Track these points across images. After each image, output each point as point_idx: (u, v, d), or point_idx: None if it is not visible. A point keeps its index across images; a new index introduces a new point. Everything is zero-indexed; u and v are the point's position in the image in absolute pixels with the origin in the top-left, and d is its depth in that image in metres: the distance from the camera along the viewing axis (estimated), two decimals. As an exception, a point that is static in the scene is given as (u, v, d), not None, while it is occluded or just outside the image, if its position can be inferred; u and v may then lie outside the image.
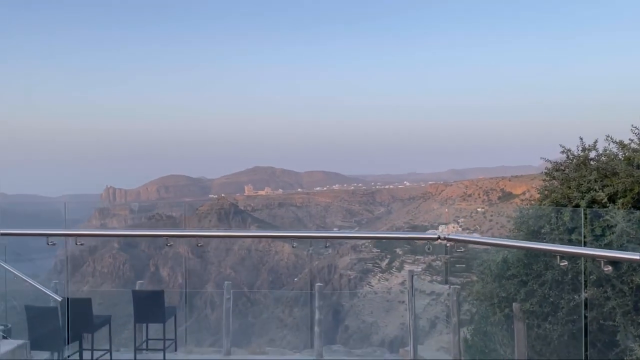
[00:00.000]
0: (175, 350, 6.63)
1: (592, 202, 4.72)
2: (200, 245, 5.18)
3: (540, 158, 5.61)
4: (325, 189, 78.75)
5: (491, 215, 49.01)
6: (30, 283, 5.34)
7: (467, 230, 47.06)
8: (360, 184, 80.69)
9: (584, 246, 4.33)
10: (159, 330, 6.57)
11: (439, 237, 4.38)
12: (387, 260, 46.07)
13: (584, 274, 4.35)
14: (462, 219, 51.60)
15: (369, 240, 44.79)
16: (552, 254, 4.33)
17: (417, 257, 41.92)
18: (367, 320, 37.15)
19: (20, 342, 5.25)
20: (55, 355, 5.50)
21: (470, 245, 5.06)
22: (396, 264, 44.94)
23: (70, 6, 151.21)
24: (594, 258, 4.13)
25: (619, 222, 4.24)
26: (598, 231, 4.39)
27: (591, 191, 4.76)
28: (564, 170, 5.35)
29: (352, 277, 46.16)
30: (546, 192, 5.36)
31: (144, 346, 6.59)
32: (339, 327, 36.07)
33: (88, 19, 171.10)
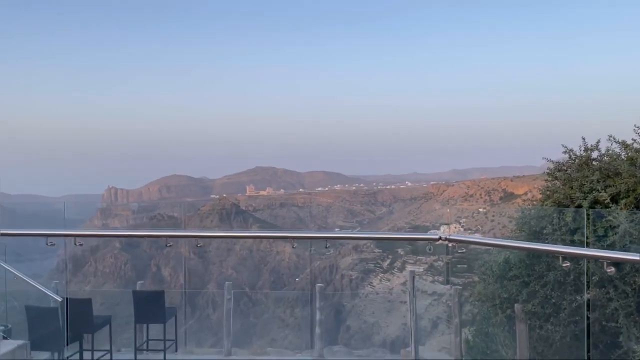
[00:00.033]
0: (176, 350, 6.61)
1: (595, 203, 4.69)
2: (200, 246, 5.16)
3: (543, 158, 5.59)
4: (326, 189, 78.73)
5: (493, 216, 48.92)
6: (30, 283, 5.33)
7: (469, 231, 47.01)
8: (361, 184, 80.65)
9: (587, 247, 4.30)
10: (160, 330, 6.56)
11: (440, 238, 4.36)
12: (388, 261, 46.02)
13: (587, 275, 4.32)
14: (464, 219, 51.52)
15: (371, 241, 44.73)
16: (554, 254, 4.31)
17: (418, 257, 41.86)
18: (368, 320, 37.11)
19: (20, 342, 5.24)
20: (56, 355, 5.49)
21: (472, 246, 5.04)
22: (398, 264, 44.88)
23: (70, 6, 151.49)
24: (594, 259, 4.10)
25: (621, 223, 4.21)
26: (601, 232, 4.36)
27: (594, 191, 4.73)
28: (566, 171, 5.32)
29: (353, 277, 46.12)
30: (548, 192, 5.33)
31: (144, 347, 6.57)
32: (341, 328, 36.04)
33: (88, 19, 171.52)
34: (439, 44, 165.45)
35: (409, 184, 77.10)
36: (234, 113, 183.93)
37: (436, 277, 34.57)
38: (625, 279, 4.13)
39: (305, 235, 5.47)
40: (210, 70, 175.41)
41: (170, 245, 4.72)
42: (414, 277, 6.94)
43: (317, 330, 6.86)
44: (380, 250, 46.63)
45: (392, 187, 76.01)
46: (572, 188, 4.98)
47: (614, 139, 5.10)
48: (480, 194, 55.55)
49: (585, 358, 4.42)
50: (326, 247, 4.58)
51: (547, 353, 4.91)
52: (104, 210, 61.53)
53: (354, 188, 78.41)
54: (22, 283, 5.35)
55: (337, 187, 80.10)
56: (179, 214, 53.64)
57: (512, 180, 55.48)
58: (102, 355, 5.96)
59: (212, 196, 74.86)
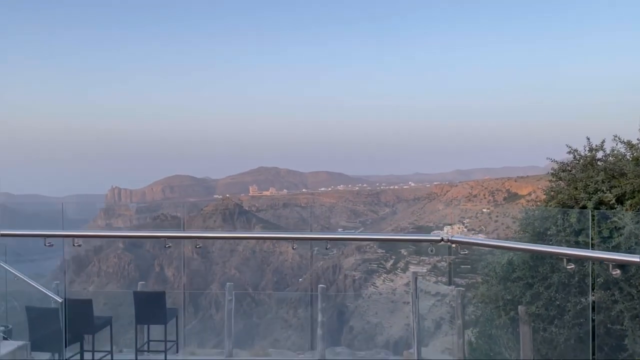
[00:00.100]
0: (177, 351, 6.59)
1: (600, 204, 4.63)
2: (199, 247, 5.12)
3: (547, 158, 5.53)
4: (329, 189, 78.73)
5: (497, 216, 48.78)
6: (30, 284, 5.31)
7: (473, 231, 46.90)
8: (364, 185, 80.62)
9: (592, 248, 4.25)
10: (161, 331, 6.53)
11: (442, 239, 4.32)
12: (391, 261, 45.96)
13: (591, 276, 4.27)
14: (468, 220, 51.39)
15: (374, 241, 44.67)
16: (558, 256, 4.26)
17: (422, 258, 41.80)
18: (371, 321, 37.05)
19: (20, 343, 5.22)
20: (56, 356, 5.48)
21: (475, 247, 4.99)
22: (401, 264, 44.82)
23: (71, 6, 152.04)
24: (598, 261, 4.05)
25: (627, 224, 4.16)
26: (606, 233, 4.31)
27: (598, 192, 4.67)
28: (570, 171, 5.26)
29: (356, 277, 46.07)
30: (552, 193, 5.27)
31: (145, 347, 6.55)
32: (344, 328, 36.00)
33: (89, 19, 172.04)
34: (442, 44, 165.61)
35: (412, 184, 77.03)
36: (236, 113, 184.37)
37: (439, 278, 34.52)
38: (631, 280, 4.07)
39: (306, 236, 5.43)
40: (212, 70, 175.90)
41: (169, 246, 4.69)
42: (416, 279, 6.90)
43: (319, 331, 6.82)
44: (384, 251, 46.58)
45: (396, 187, 75.94)
46: (576, 189, 4.92)
47: (619, 139, 5.04)
48: (484, 195, 55.41)
49: (590, 361, 4.37)
50: (327, 248, 4.54)
51: (551, 355, 4.85)
52: (107, 210, 61.69)
53: (357, 188, 78.38)
54: (22, 283, 5.34)
55: (340, 187, 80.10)
56: (182, 214, 53.72)
57: (515, 181, 55.32)
58: (103, 356, 5.94)
59: (215, 196, 74.98)
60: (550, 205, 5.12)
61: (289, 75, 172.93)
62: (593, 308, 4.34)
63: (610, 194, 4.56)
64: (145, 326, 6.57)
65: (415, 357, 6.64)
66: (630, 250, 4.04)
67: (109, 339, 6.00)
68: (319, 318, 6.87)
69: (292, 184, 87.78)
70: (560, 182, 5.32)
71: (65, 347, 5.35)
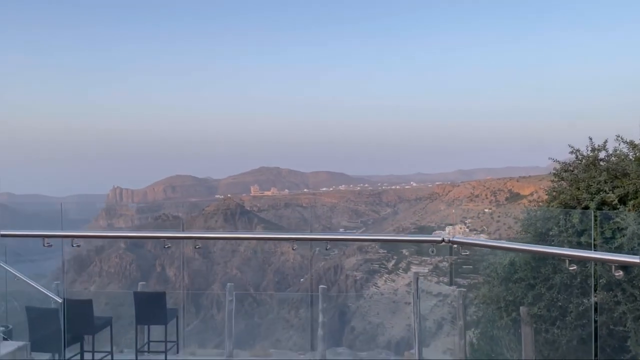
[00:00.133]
0: (177, 352, 6.57)
1: (602, 204, 4.60)
2: (199, 247, 5.11)
3: (549, 158, 5.50)
4: (331, 189, 78.71)
5: (498, 216, 48.68)
6: (30, 284, 5.30)
7: (474, 232, 46.83)
8: (366, 185, 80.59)
9: (594, 249, 4.22)
10: (162, 332, 6.52)
11: (443, 240, 4.29)
12: (393, 261, 45.91)
13: (594, 277, 4.24)
14: (470, 220, 51.31)
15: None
16: (560, 257, 4.23)
17: (423, 258, 41.74)
18: (373, 321, 37.01)
19: (20, 343, 5.21)
20: (56, 356, 5.46)
21: (476, 247, 4.96)
22: (403, 264, 44.78)
23: (71, 6, 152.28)
24: (600, 262, 4.02)
25: (629, 225, 4.13)
26: (608, 234, 4.28)
27: (601, 192, 4.64)
28: (572, 171, 5.23)
29: (358, 278, 46.05)
30: (554, 193, 5.24)
31: (145, 348, 6.54)
32: (345, 329, 35.96)
33: (88, 19, 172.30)
34: (441, 44, 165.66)
35: (414, 184, 76.97)
36: (237, 113, 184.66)
37: (441, 278, 34.45)
38: (634, 282, 4.04)
39: (306, 237, 5.41)
40: (212, 70, 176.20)
41: (168, 247, 4.68)
42: (417, 279, 6.88)
43: (320, 332, 6.80)
44: (385, 251, 46.54)
45: (397, 187, 75.89)
46: (578, 189, 4.89)
47: (621, 139, 5.01)
48: (486, 195, 55.33)
49: (592, 362, 4.34)
50: (327, 249, 4.52)
51: (553, 357, 4.82)
52: (108, 210, 61.75)
53: (358, 188, 78.35)
54: (22, 284, 5.33)
55: (342, 187, 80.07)
56: (184, 214, 53.77)
57: (517, 181, 55.22)
58: (103, 357, 5.92)
59: (217, 196, 75.02)
60: (553, 206, 5.09)
61: (289, 75, 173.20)
62: (595, 309, 4.31)
63: (612, 195, 4.53)
64: (146, 326, 6.55)
65: (417, 358, 6.62)
66: (633, 251, 4.01)
67: (109, 340, 5.99)
68: (320, 319, 6.85)
69: (293, 184, 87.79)
70: (563, 182, 5.29)
71: (65, 347, 5.34)
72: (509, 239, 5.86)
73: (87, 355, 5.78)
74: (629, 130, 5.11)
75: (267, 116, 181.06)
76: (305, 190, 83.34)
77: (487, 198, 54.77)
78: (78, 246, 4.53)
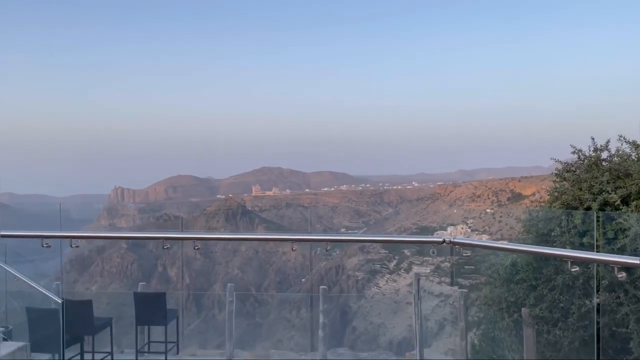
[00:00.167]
0: (177, 352, 6.56)
1: (605, 205, 4.57)
2: (198, 248, 5.09)
3: (551, 159, 5.46)
4: (332, 189, 78.70)
5: (500, 217, 48.63)
6: (30, 285, 5.28)
7: (476, 232, 46.77)
8: (368, 185, 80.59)
9: (597, 250, 4.19)
10: (162, 332, 6.50)
11: (444, 241, 4.27)
12: (395, 262, 45.90)
13: (596, 278, 4.20)
14: (471, 220, 51.26)
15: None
16: (562, 259, 4.20)
17: (425, 258, 41.70)
18: (374, 321, 37.00)
19: (20, 344, 5.19)
20: (56, 356, 5.44)
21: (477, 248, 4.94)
22: (404, 265, 44.76)
23: (71, 6, 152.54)
24: (601, 263, 3.99)
25: (632, 225, 4.09)
26: (610, 234, 4.24)
27: (603, 193, 4.61)
28: (575, 171, 5.20)
29: (359, 278, 46.03)
30: (556, 193, 5.21)
31: (145, 349, 6.52)
32: (347, 329, 35.95)
33: (88, 19, 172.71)
34: (441, 44, 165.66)
35: (416, 184, 76.93)
36: (238, 113, 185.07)
37: (443, 279, 34.39)
38: (637, 283, 4.01)
39: (305, 237, 5.39)
40: (212, 70, 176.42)
41: (167, 247, 4.66)
42: (418, 280, 6.84)
43: (320, 333, 6.77)
44: (387, 251, 46.52)
45: (399, 187, 75.87)
46: (581, 189, 4.86)
47: (624, 139, 4.97)
48: (488, 195, 55.25)
49: (595, 364, 4.31)
50: (327, 250, 4.50)
51: (555, 358, 4.79)
52: (110, 210, 61.85)
53: (360, 188, 78.35)
54: (22, 284, 5.31)
55: (344, 187, 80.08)
56: (183, 214, 53.83)
57: (519, 181, 55.16)
58: (104, 357, 5.91)
59: (218, 196, 75.07)
60: (555, 206, 5.05)
61: (289, 75, 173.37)
62: (598, 311, 4.27)
63: (615, 195, 4.50)
64: (146, 327, 6.54)
65: (418, 358, 6.58)
66: (635, 252, 3.98)
67: (110, 340, 5.98)
68: (320, 320, 6.83)
69: (295, 184, 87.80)
70: (565, 182, 5.25)
71: (65, 348, 5.32)
72: (511, 240, 5.83)
73: (87, 356, 5.77)
74: (629, 130, 5.08)
75: (268, 116, 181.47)
76: (306, 190, 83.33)
77: (488, 198, 54.69)
78: (77, 247, 4.52)
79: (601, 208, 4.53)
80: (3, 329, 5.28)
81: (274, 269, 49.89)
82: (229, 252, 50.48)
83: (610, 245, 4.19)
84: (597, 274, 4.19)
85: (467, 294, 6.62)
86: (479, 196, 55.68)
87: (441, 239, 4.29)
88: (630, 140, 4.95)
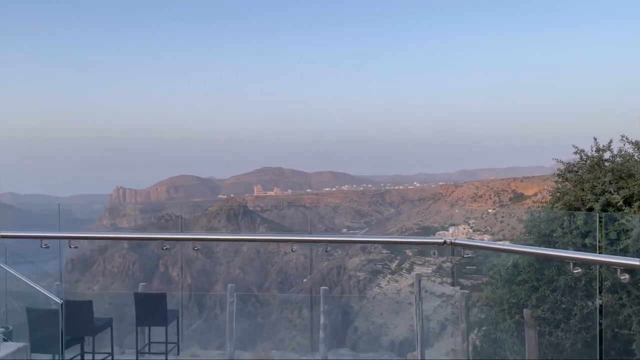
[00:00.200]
0: (178, 353, 6.55)
1: (607, 205, 4.54)
2: (197, 249, 5.08)
3: (553, 159, 5.43)
4: (334, 189, 78.70)
5: (502, 217, 48.57)
6: (30, 285, 5.27)
7: (478, 232, 46.72)
8: (369, 185, 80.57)
9: (599, 251, 4.16)
10: (163, 333, 6.49)
11: (445, 242, 4.24)
12: (396, 262, 45.86)
13: (598, 280, 4.18)
14: (473, 220, 51.20)
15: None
16: (564, 260, 4.17)
17: (427, 258, 41.66)
18: (376, 322, 36.96)
19: (20, 344, 5.19)
20: (56, 357, 5.43)
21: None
22: (406, 265, 44.72)
23: (71, 6, 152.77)
24: (604, 264, 3.96)
25: (635, 227, 4.06)
26: (613, 235, 4.21)
27: (606, 193, 4.58)
28: (577, 172, 5.17)
29: (361, 278, 45.99)
30: (558, 194, 5.18)
31: (146, 349, 6.51)
32: (348, 329, 35.92)
33: (89, 19, 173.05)
34: (442, 44, 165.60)
35: (417, 184, 76.89)
36: (238, 113, 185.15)
37: (444, 279, 34.36)
38: (639, 284, 3.98)
39: (305, 238, 5.37)
40: (212, 70, 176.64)
41: (166, 248, 4.65)
42: (419, 281, 6.81)
43: (321, 334, 6.75)
44: (388, 252, 46.48)
45: (400, 187, 75.84)
46: (583, 190, 4.83)
47: (626, 139, 4.94)
48: (490, 195, 55.16)
49: (597, 365, 4.28)
50: (327, 251, 4.48)
51: (557, 360, 4.77)
52: (112, 210, 61.93)
53: (361, 188, 78.34)
54: (22, 285, 5.31)
55: (345, 187, 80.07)
56: (187, 214, 53.84)
57: (521, 181, 55.07)
58: (104, 358, 5.90)
59: (220, 196, 75.13)
60: (557, 207, 5.03)
61: (289, 75, 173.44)
62: (600, 312, 4.25)
63: (618, 196, 4.47)
64: (147, 327, 6.53)
65: (419, 359, 6.56)
66: (638, 254, 3.95)
67: (110, 341, 5.97)
68: (321, 320, 6.81)
69: (296, 184, 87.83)
70: (567, 183, 5.22)
71: (65, 348, 5.31)
72: (513, 240, 5.81)
73: (88, 357, 5.76)
74: (627, 129, 5.05)
75: (268, 116, 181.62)
76: (308, 190, 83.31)
77: (490, 198, 54.60)
78: (75, 247, 4.50)
79: (604, 209, 4.50)
80: (3, 329, 5.27)
81: (275, 269, 49.89)
82: (230, 252, 50.50)
83: (612, 246, 4.16)
84: (599, 276, 4.16)
85: (468, 294, 6.59)
86: (480, 196, 55.59)
87: (442, 240, 4.27)
88: (633, 141, 4.92)
